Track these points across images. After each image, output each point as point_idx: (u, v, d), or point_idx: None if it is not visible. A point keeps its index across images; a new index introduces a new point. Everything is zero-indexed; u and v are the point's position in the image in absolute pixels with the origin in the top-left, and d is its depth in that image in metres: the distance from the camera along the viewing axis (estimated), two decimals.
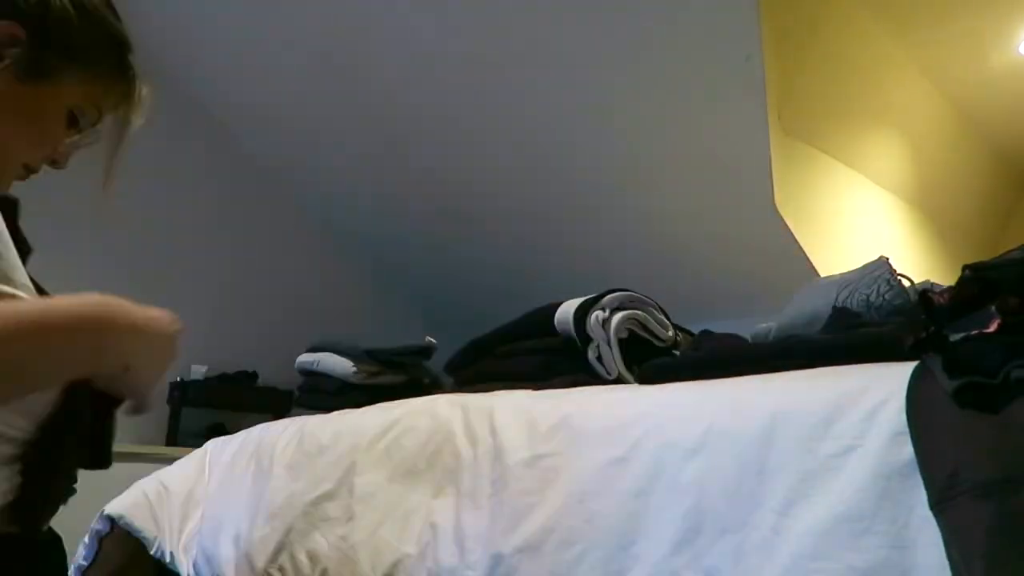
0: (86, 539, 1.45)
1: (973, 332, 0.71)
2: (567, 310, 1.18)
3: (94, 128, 0.85)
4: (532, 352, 1.29)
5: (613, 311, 1.17)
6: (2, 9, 0.77)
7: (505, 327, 1.34)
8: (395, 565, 1.00)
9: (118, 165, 0.89)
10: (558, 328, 1.19)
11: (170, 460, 1.64)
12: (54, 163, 0.85)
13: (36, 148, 0.83)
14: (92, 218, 2.54)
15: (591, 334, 1.15)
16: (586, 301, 1.18)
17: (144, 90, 0.88)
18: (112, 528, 1.43)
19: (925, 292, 0.76)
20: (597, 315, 1.15)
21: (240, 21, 2.74)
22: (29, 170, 0.83)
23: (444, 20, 2.44)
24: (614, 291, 1.21)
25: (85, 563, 1.43)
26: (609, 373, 1.14)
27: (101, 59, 0.85)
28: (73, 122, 0.84)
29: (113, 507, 1.44)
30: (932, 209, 3.61)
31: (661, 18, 2.17)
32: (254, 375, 3.24)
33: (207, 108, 3.22)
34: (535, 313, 1.30)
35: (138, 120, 0.88)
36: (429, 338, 1.76)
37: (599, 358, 1.15)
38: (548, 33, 2.34)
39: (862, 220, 3.06)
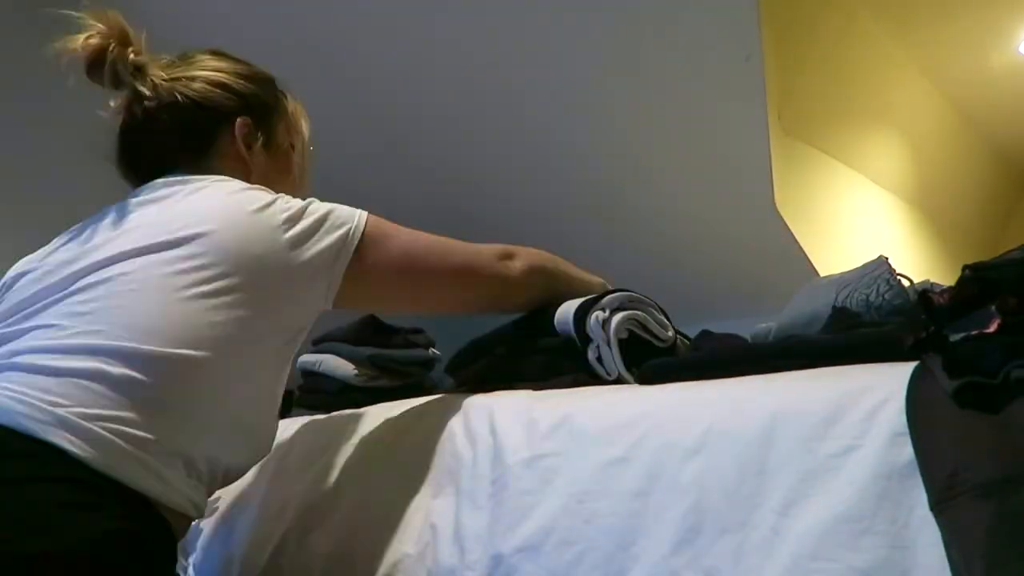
0: None
1: (973, 332, 0.71)
2: (567, 310, 1.18)
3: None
4: (532, 352, 1.29)
5: (613, 311, 1.16)
6: (231, 109, 1.13)
7: (504, 327, 1.34)
8: (395, 565, 1.00)
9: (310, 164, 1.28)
10: (558, 329, 1.19)
11: None
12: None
13: (297, 185, 1.21)
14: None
15: (591, 334, 1.15)
16: (586, 301, 1.18)
17: (296, 100, 1.28)
18: None
19: (925, 292, 0.76)
20: (597, 315, 1.14)
21: (239, 21, 2.74)
22: None
23: (443, 21, 2.44)
24: (614, 291, 1.21)
25: None
26: (609, 374, 1.13)
27: (275, 101, 1.21)
28: (291, 147, 1.23)
29: None
30: (932, 209, 3.61)
31: (661, 18, 2.17)
32: None
33: None
34: (535, 314, 1.30)
35: (308, 122, 1.29)
36: (433, 350, 1.76)
37: (599, 359, 1.14)
38: (547, 32, 2.34)
39: (862, 220, 3.06)
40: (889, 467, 0.65)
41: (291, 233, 0.96)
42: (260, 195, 1.00)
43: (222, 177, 1.05)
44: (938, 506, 0.59)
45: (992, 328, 0.71)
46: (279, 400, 1.09)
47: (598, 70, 2.38)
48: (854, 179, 3.02)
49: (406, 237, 1.07)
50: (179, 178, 1.04)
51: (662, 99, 2.37)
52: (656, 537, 0.77)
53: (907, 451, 0.64)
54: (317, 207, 1.02)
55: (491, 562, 0.89)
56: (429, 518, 1.01)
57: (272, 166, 1.17)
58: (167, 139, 1.09)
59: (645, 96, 2.39)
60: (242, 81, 1.15)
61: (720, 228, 2.63)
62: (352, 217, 1.02)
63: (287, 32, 2.66)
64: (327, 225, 0.99)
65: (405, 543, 1.01)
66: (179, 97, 1.07)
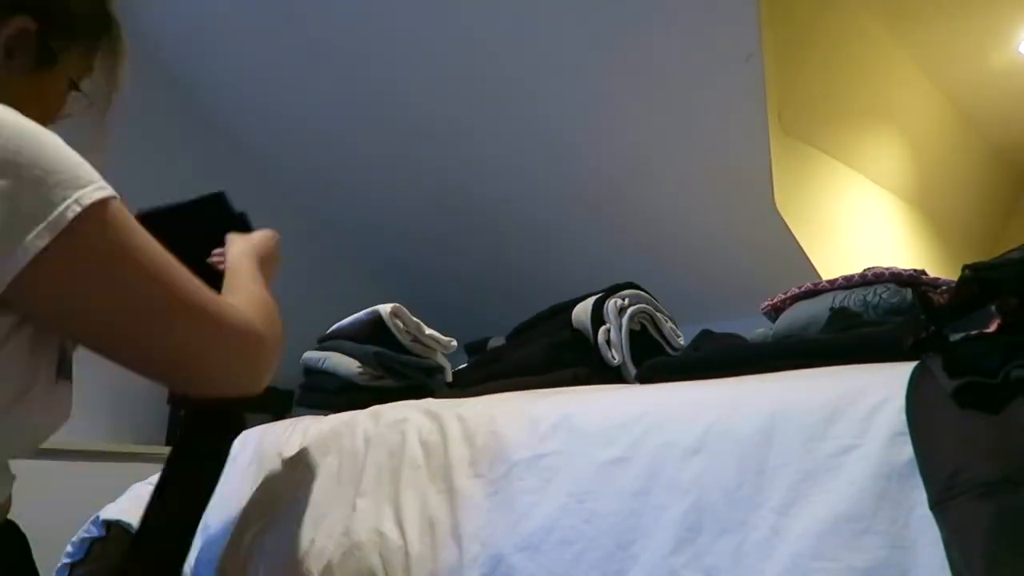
0: (75, 539, 1.44)
1: (973, 332, 0.71)
2: (588, 301, 1.24)
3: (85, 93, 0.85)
4: (540, 345, 1.32)
5: (632, 303, 1.21)
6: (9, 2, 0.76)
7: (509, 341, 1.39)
8: (396, 564, 1.00)
9: (109, 121, 0.88)
10: (574, 317, 1.24)
11: None
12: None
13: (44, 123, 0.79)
14: None
15: (606, 317, 1.19)
16: (611, 288, 1.24)
17: (126, 41, 0.87)
18: (108, 531, 1.42)
19: (924, 292, 0.76)
20: (616, 302, 1.20)
21: (239, 19, 2.74)
22: None
23: (443, 21, 2.44)
24: (638, 289, 1.27)
25: (68, 560, 1.42)
26: (615, 357, 1.16)
27: (95, 27, 0.84)
28: (72, 86, 0.84)
29: (109, 512, 1.43)
30: (932, 209, 3.61)
31: (661, 18, 2.18)
32: None
33: (204, 104, 3.22)
34: (538, 317, 1.34)
35: (124, 76, 0.88)
36: (444, 362, 1.76)
37: (608, 341, 1.18)
38: (547, 33, 2.34)
39: (862, 220, 3.06)
40: (889, 467, 0.65)
41: None
42: None
43: None
44: (938, 506, 0.59)
45: (992, 328, 0.71)
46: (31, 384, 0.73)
47: (598, 70, 2.38)
48: (854, 179, 3.02)
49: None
50: None
51: (662, 99, 2.38)
52: (656, 536, 0.77)
53: (907, 451, 0.64)
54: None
55: (491, 561, 0.90)
56: (429, 517, 1.01)
57: (20, 92, 0.77)
58: None
59: (645, 96, 2.39)
60: None
61: (720, 228, 2.64)
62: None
63: (284, 31, 2.66)
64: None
65: (406, 542, 1.01)
66: None
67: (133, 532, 1.40)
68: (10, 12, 0.76)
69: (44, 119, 0.78)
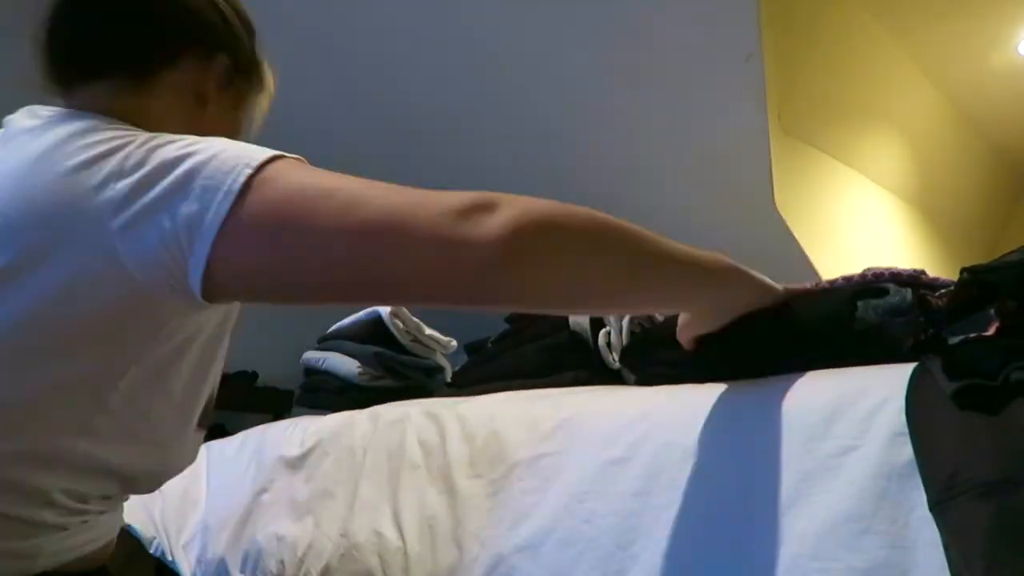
0: None
1: (972, 335, 0.71)
2: None
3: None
4: (536, 347, 1.31)
5: None
6: (206, 37, 0.84)
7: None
8: (395, 564, 1.00)
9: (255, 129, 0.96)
10: (572, 319, 1.22)
11: None
12: None
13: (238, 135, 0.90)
14: None
15: (606, 319, 1.18)
16: None
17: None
18: None
19: (923, 296, 0.76)
20: None
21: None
22: None
23: (442, 20, 2.44)
24: None
25: None
26: (615, 360, 1.15)
27: (254, 53, 0.92)
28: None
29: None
30: (932, 209, 3.61)
31: (661, 18, 2.17)
32: (254, 375, 3.24)
33: None
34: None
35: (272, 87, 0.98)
36: (444, 362, 1.76)
37: (608, 344, 1.17)
38: (547, 32, 2.34)
39: (862, 220, 3.06)
40: (889, 467, 0.65)
41: (109, 194, 0.62)
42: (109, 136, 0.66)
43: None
44: (938, 506, 0.59)
45: (991, 331, 0.71)
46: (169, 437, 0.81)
47: (597, 69, 2.38)
48: (854, 179, 3.02)
49: (302, 178, 0.64)
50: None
51: (662, 99, 2.37)
52: (656, 537, 0.77)
53: (907, 451, 0.64)
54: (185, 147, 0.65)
55: (491, 561, 0.90)
56: (429, 517, 1.01)
57: (218, 110, 0.86)
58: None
59: (645, 96, 2.39)
60: (232, 12, 0.87)
61: (720, 228, 2.63)
62: (235, 169, 0.62)
63: (284, 31, 2.66)
64: (178, 181, 0.62)
65: (405, 542, 1.01)
66: None
67: (132, 533, 1.40)
68: (213, 51, 0.84)
69: (230, 129, 0.89)
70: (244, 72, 0.88)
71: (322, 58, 2.71)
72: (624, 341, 1.14)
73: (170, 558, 1.35)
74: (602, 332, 1.17)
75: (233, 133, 0.88)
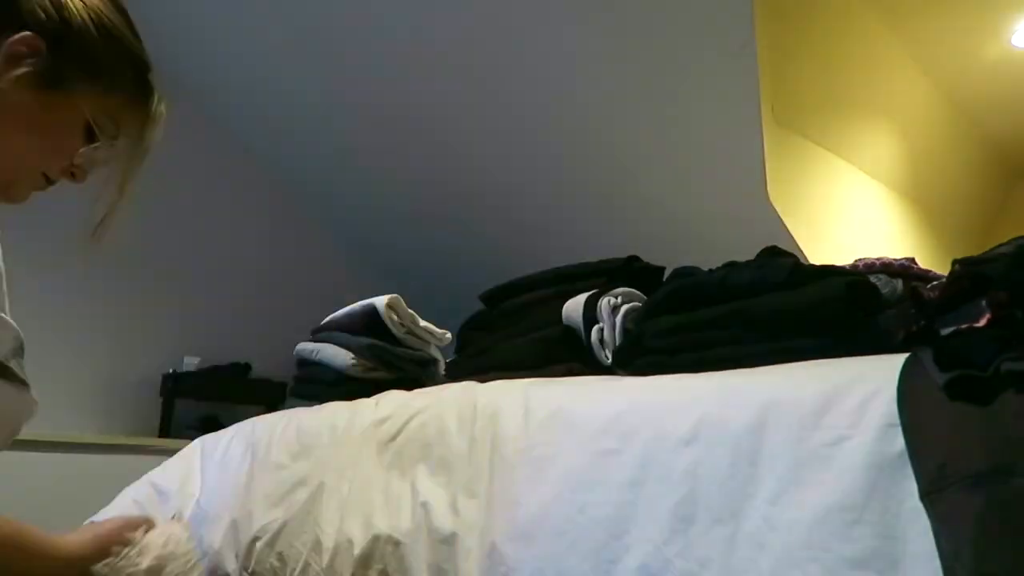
0: None
1: (963, 326, 0.72)
2: (578, 299, 1.21)
3: (112, 142, 0.84)
4: (529, 339, 1.31)
5: (625, 301, 1.20)
6: (23, 22, 0.77)
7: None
8: (391, 553, 1.00)
9: (133, 180, 0.87)
10: (564, 314, 1.22)
11: (163, 452, 1.64)
12: (72, 176, 0.85)
13: (52, 158, 0.82)
14: (81, 212, 2.52)
15: (599, 316, 1.17)
16: (601, 288, 1.22)
17: (162, 107, 0.87)
18: None
19: (915, 288, 0.76)
20: (609, 300, 1.18)
21: (236, 18, 2.72)
22: (48, 181, 0.84)
23: (438, 16, 2.43)
24: (630, 288, 1.25)
25: None
26: (608, 357, 1.15)
27: (118, 75, 0.84)
28: (91, 136, 0.82)
29: (99, 519, 1.41)
30: (924, 200, 3.63)
31: (654, 8, 2.17)
32: (247, 367, 3.24)
33: (200, 99, 3.20)
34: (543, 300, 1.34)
35: (153, 137, 0.87)
36: (437, 354, 1.76)
37: (601, 340, 1.17)
38: (541, 25, 2.33)
39: (855, 211, 3.07)
40: (880, 457, 0.65)
41: None
42: None
43: None
44: (928, 496, 0.60)
45: (982, 322, 0.72)
46: None
47: (591, 61, 2.37)
48: (847, 170, 3.03)
49: None
50: None
51: (654, 90, 2.37)
52: (648, 527, 0.77)
53: (898, 441, 0.65)
54: None
55: (485, 550, 0.90)
56: (424, 507, 1.02)
57: (28, 113, 0.78)
58: None
59: (637, 87, 2.38)
60: (90, 19, 0.80)
61: (713, 219, 2.64)
62: None
63: (283, 28, 2.64)
64: None
65: (400, 531, 1.01)
66: None
67: None
68: (17, 28, 0.76)
69: (47, 146, 0.81)
70: (75, 67, 0.80)
71: (319, 65, 2.70)
72: (617, 340, 1.14)
73: None
74: (595, 329, 1.16)
75: (50, 129, 0.81)
